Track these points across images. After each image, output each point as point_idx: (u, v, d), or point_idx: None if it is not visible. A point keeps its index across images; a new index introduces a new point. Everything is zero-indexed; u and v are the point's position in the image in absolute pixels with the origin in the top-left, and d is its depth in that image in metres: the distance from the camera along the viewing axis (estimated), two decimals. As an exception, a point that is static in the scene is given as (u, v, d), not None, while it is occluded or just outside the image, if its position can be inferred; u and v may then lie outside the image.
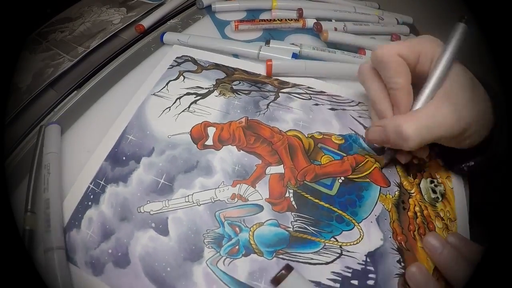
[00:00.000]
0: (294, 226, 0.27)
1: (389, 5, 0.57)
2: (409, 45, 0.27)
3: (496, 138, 0.28)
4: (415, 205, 0.29)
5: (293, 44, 0.41)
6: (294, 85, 0.36)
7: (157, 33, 0.44)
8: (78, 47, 0.42)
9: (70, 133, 0.33)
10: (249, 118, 0.32)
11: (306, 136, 0.31)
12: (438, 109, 0.26)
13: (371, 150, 0.31)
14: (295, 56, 0.38)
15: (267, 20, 0.45)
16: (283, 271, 0.24)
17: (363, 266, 0.26)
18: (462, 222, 0.29)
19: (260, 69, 0.38)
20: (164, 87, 0.35)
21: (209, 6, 0.48)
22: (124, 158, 0.30)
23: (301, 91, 0.35)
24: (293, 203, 0.28)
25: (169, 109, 0.33)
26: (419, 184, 0.30)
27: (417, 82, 0.28)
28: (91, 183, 0.30)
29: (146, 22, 0.45)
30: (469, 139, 0.27)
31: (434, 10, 0.55)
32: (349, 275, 0.25)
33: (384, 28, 0.49)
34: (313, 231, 0.27)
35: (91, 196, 0.29)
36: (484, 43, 0.25)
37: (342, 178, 0.29)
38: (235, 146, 0.30)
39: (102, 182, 0.30)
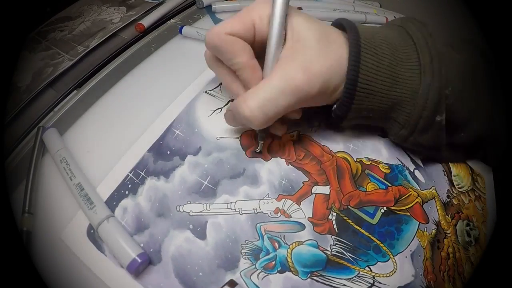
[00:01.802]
0: (333, 250, 0.27)
1: (389, 5, 0.57)
2: (239, 19, 0.25)
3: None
4: (449, 246, 0.29)
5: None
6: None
7: (157, 32, 0.44)
8: (78, 46, 0.42)
9: (70, 133, 0.33)
10: (301, 133, 0.32)
11: (355, 160, 0.31)
12: (280, 76, 0.24)
13: (416, 184, 0.31)
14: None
15: None
16: (226, 286, 0.24)
17: (392, 300, 0.26)
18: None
19: None
20: (217, 86, 0.35)
21: (209, 6, 0.48)
22: (168, 152, 0.30)
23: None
24: (335, 226, 0.28)
25: (221, 110, 0.33)
26: (455, 225, 0.30)
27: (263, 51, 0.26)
28: (130, 172, 0.29)
29: (146, 21, 0.45)
30: (334, 94, 0.26)
31: (434, 10, 0.55)
32: (378, 306, 0.25)
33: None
34: (350, 258, 0.27)
35: (129, 186, 0.29)
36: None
37: (385, 208, 0.29)
38: (284, 159, 0.30)
39: (142, 173, 0.29)
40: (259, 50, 0.26)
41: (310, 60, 0.24)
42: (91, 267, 0.25)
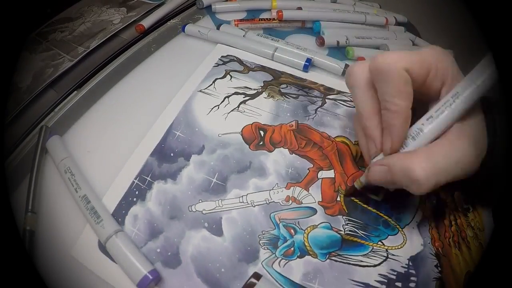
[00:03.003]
0: (346, 230, 0.28)
1: (389, 5, 0.58)
2: (419, 59, 0.23)
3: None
4: (450, 214, 0.31)
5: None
6: (339, 92, 0.37)
7: (157, 33, 0.45)
8: (78, 47, 0.42)
9: (70, 134, 0.33)
10: (299, 122, 0.33)
11: (354, 142, 0.32)
12: (454, 146, 0.22)
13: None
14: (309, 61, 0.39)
15: (267, 19, 0.46)
16: (252, 279, 0.24)
17: (406, 269, 0.27)
18: (489, 231, 0.32)
19: (304, 75, 0.39)
20: (211, 84, 0.35)
21: (209, 6, 0.49)
22: (172, 154, 0.30)
23: (346, 98, 0.36)
24: (344, 207, 0.28)
25: (218, 107, 0.33)
26: (453, 194, 0.32)
27: (420, 102, 0.24)
28: (135, 179, 0.29)
29: (146, 22, 0.45)
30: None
31: (434, 9, 0.57)
32: (394, 277, 0.26)
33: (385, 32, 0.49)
34: (363, 235, 0.28)
35: (136, 192, 0.28)
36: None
37: (388, 185, 0.30)
38: (287, 149, 0.31)
39: (148, 178, 0.29)
40: (415, 99, 0.23)
41: (478, 139, 0.23)
42: (108, 280, 0.25)
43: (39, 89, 0.36)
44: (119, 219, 0.27)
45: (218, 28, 0.43)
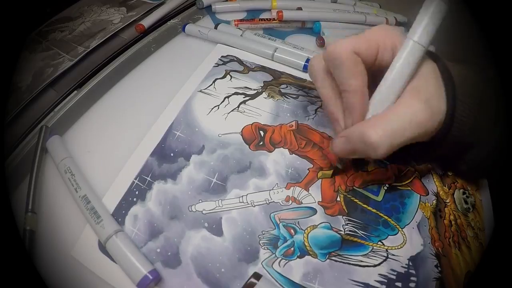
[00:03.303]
0: (346, 230, 0.28)
1: (389, 5, 0.58)
2: (366, 39, 0.24)
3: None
4: (450, 214, 0.31)
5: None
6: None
7: (157, 33, 0.45)
8: (78, 46, 0.42)
9: (70, 134, 0.33)
10: (298, 122, 0.33)
11: (354, 142, 0.32)
12: (407, 108, 0.23)
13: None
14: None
15: (267, 19, 0.46)
16: (252, 279, 0.24)
17: (406, 269, 0.27)
18: (489, 231, 0.32)
19: (304, 75, 0.39)
20: (211, 84, 0.35)
21: (209, 6, 0.49)
22: (172, 154, 0.30)
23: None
24: (344, 207, 0.28)
25: (218, 108, 0.33)
26: (453, 194, 0.32)
27: (377, 78, 0.25)
28: (135, 179, 0.29)
29: (146, 22, 0.45)
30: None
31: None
32: (394, 277, 0.26)
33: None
34: (363, 235, 0.28)
35: (136, 192, 0.28)
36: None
37: (387, 185, 0.30)
38: (287, 149, 0.31)
39: (148, 178, 0.29)
40: (371, 77, 0.25)
41: (431, 97, 0.23)
42: (108, 280, 0.25)
43: (39, 89, 0.37)
44: (119, 219, 0.27)
45: (216, 28, 0.43)
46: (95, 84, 0.38)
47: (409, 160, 0.31)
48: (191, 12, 0.50)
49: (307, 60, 0.38)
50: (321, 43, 0.43)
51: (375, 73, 0.25)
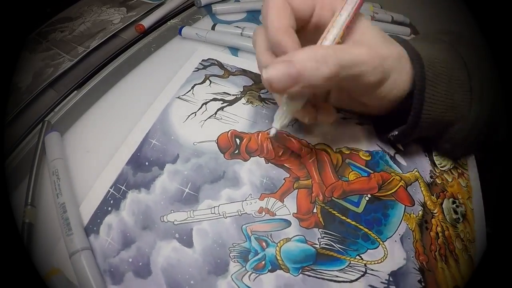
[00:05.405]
0: (321, 243, 0.27)
1: (389, 5, 0.58)
2: None
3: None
4: (437, 225, 0.29)
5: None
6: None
7: (157, 33, 0.44)
8: (78, 47, 0.42)
9: (70, 134, 0.33)
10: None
11: (334, 150, 0.31)
12: (350, 47, 0.23)
13: (398, 168, 0.31)
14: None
15: None
16: None
17: (386, 285, 0.26)
18: (480, 243, 0.30)
19: None
20: (190, 90, 0.34)
21: (209, 7, 0.48)
22: (147, 163, 0.30)
23: (329, 104, 0.34)
24: (321, 219, 0.27)
25: (195, 115, 0.32)
26: (441, 204, 0.30)
27: (314, 38, 0.24)
28: (111, 188, 0.29)
29: (146, 22, 0.45)
30: (389, 88, 0.25)
31: (434, 9, 0.55)
32: (372, 294, 0.25)
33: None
34: (340, 249, 0.27)
35: (111, 201, 0.28)
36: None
37: (369, 195, 0.29)
38: (263, 158, 0.30)
39: (123, 188, 0.29)
40: (308, 36, 0.25)
41: (375, 45, 0.24)
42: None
43: (39, 89, 0.37)
44: (95, 228, 0.27)
45: (213, 29, 0.43)
46: (95, 84, 0.37)
47: (392, 142, 0.31)
48: (191, 12, 0.49)
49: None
50: None
51: (311, 35, 0.25)
